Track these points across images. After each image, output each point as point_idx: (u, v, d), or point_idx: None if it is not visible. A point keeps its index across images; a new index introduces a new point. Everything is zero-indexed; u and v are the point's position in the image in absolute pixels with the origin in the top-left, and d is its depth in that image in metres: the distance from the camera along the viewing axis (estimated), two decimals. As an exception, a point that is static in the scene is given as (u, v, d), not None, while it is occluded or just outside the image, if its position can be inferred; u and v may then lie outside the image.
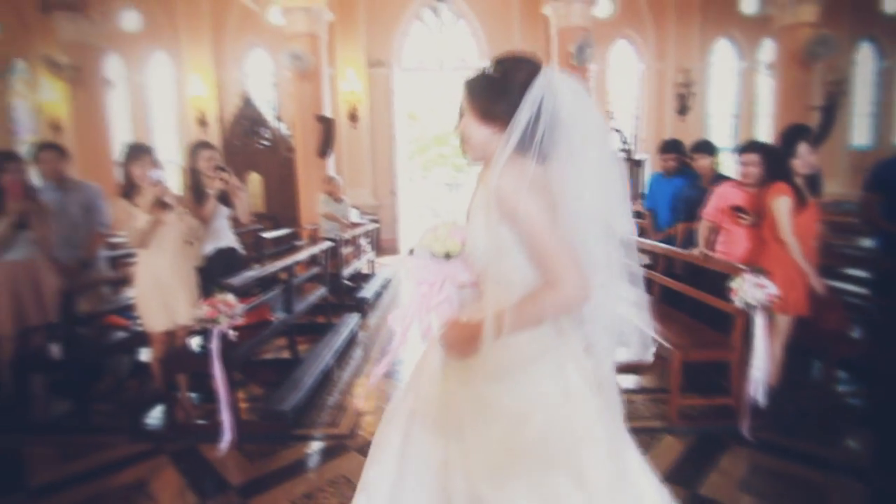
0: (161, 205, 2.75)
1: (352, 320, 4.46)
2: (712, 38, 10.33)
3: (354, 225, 7.00)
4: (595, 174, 1.08)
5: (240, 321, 2.60)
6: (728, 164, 5.58)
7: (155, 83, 10.43)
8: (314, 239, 6.84)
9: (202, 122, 9.82)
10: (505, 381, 1.09)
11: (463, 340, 1.11)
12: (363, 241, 6.64)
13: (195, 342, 3.07)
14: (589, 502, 1.01)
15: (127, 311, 3.51)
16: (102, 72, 7.42)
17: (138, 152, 2.78)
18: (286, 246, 6.31)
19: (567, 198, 1.05)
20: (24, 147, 10.53)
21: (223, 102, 9.55)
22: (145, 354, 3.96)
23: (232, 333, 2.56)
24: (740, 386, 2.64)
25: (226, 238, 3.31)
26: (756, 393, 2.54)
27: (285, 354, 4.03)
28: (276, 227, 7.47)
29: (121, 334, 3.39)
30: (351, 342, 4.32)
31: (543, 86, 1.04)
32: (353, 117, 9.67)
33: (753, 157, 3.10)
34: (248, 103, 8.93)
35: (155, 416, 3.06)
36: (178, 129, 10.29)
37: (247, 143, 8.77)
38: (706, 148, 3.90)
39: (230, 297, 2.56)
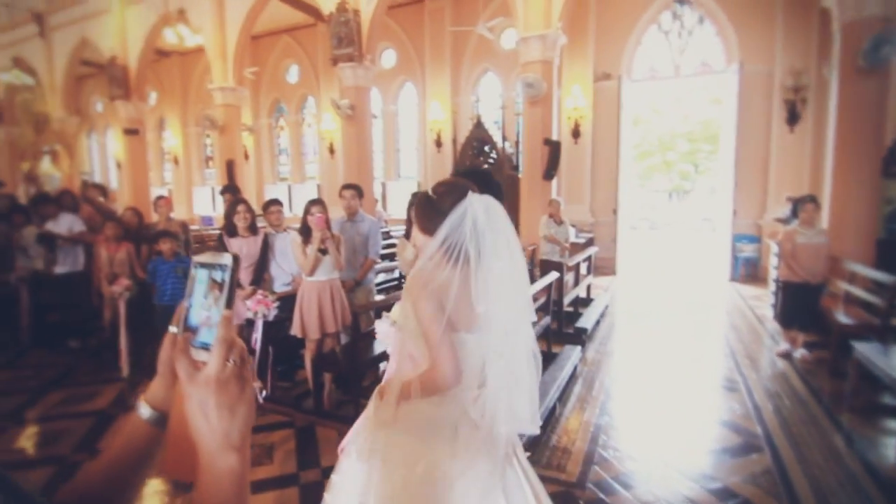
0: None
1: (574, 354, 4.45)
2: None
3: (574, 246, 6.96)
4: (502, 275, 1.32)
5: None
6: None
7: (402, 110, 12.09)
8: (533, 261, 7.03)
9: (438, 144, 11.01)
10: (410, 433, 1.36)
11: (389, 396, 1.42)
12: (583, 266, 6.55)
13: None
14: None
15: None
16: (368, 107, 8.92)
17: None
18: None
19: (481, 292, 1.30)
20: (312, 166, 13.44)
21: (457, 125, 10.51)
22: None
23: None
24: None
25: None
26: None
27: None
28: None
29: (383, 346, 4.05)
30: (572, 376, 4.32)
31: (464, 208, 1.33)
32: (575, 134, 9.61)
33: None
34: (478, 126, 9.64)
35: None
36: (419, 149, 11.74)
37: (476, 163, 9.48)
38: None
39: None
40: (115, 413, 3.70)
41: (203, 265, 0.61)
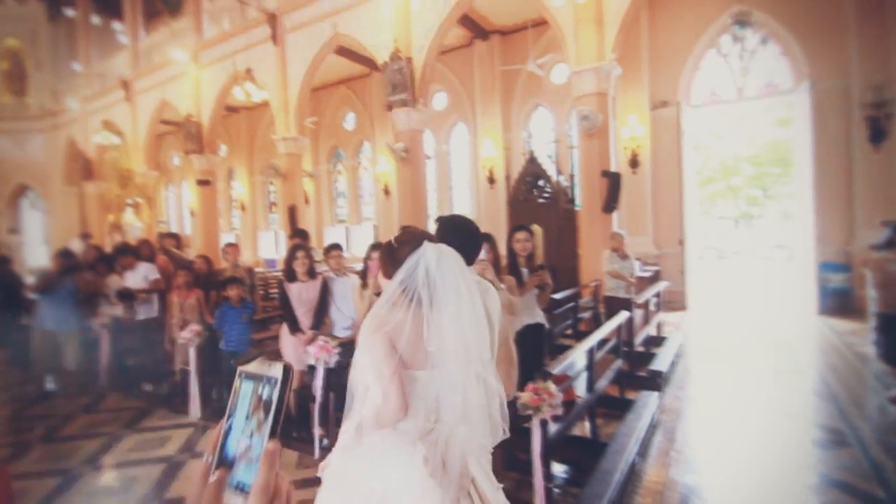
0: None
1: (650, 400, 4.09)
2: None
3: (640, 281, 6.59)
4: (453, 318, 1.41)
5: (559, 411, 2.63)
6: None
7: (455, 150, 12.27)
8: (597, 297, 6.71)
9: (491, 181, 11.01)
10: (366, 462, 1.43)
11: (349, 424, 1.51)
12: (652, 302, 6.16)
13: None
14: None
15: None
16: (422, 149, 9.11)
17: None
18: (570, 304, 6.35)
19: (433, 333, 1.40)
20: (369, 207, 13.82)
21: (509, 161, 10.49)
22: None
23: (552, 424, 2.61)
24: None
25: (536, 314, 3.48)
26: None
27: (577, 431, 3.97)
28: (553, 276, 7.64)
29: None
30: (650, 426, 3.95)
31: (417, 257, 1.45)
32: (633, 163, 9.31)
33: None
34: (531, 161, 9.56)
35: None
36: (472, 187, 11.79)
37: (529, 199, 9.36)
38: None
39: (552, 387, 2.61)
40: (183, 459, 3.74)
41: (249, 376, 0.51)
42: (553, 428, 2.97)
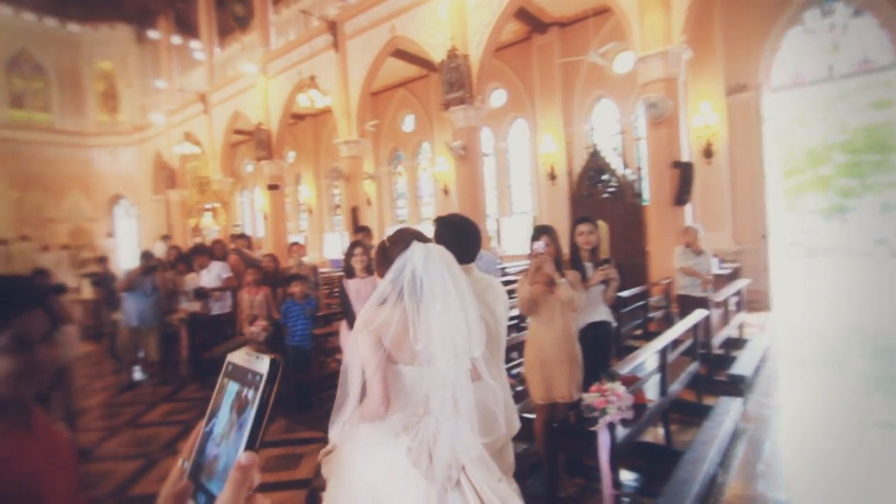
0: (542, 274, 2.89)
1: (732, 407, 3.75)
2: None
3: (717, 279, 6.12)
4: (440, 316, 1.47)
5: (629, 415, 2.44)
6: None
7: (513, 147, 12.06)
8: (669, 296, 6.30)
9: (552, 177, 10.70)
10: (358, 451, 1.53)
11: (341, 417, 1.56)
12: (732, 301, 5.69)
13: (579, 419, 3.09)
14: None
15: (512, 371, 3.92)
16: (480, 146, 9.00)
17: (537, 232, 3.03)
18: (639, 303, 6.00)
19: (420, 330, 1.47)
20: (428, 208, 13.92)
21: (571, 156, 10.15)
22: (519, 408, 4.33)
23: (620, 428, 2.42)
24: None
25: (601, 311, 3.28)
26: None
27: (649, 437, 3.71)
28: (620, 274, 7.25)
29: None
30: (733, 436, 3.61)
31: (407, 257, 1.51)
32: (707, 153, 8.69)
33: None
34: (594, 154, 9.19)
35: (536, 480, 3.22)
36: (532, 184, 11.53)
37: (593, 193, 9.00)
38: None
39: (620, 389, 2.43)
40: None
41: (235, 370, 0.42)
42: (621, 432, 2.77)
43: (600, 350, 3.18)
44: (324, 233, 15.84)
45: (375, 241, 4.78)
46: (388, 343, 1.50)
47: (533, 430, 3.25)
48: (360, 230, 5.82)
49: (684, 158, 6.92)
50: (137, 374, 6.16)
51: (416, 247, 1.53)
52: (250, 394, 0.40)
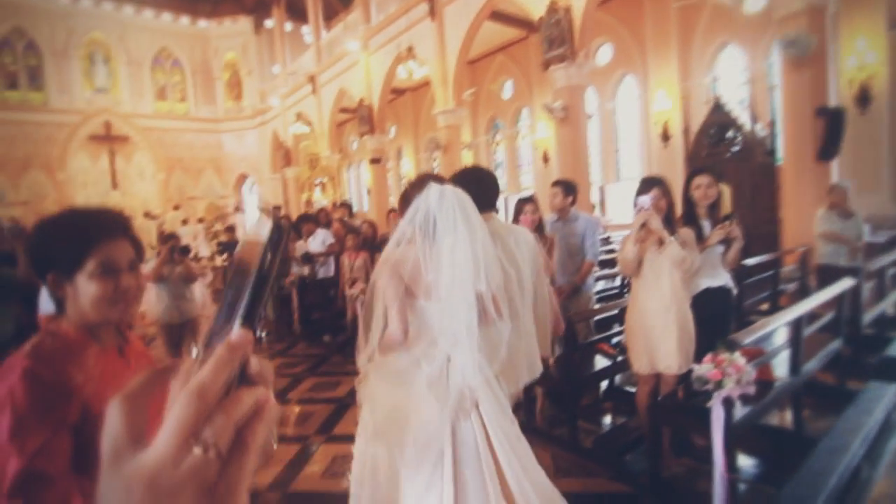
0: (650, 232, 2.58)
1: (885, 395, 3.13)
2: None
3: (870, 247, 5.16)
4: (450, 251, 1.54)
5: (750, 390, 2.10)
6: None
7: (621, 107, 11.16)
8: (805, 266, 5.45)
9: (665, 137, 9.75)
10: (381, 382, 1.66)
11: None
12: (889, 273, 4.76)
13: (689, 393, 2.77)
14: (401, 465, 1.55)
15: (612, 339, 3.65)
16: (583, 106, 8.42)
17: (646, 185, 2.71)
18: (767, 273, 5.26)
19: (431, 265, 1.57)
20: (527, 176, 13.55)
21: (688, 112, 9.12)
22: (620, 379, 4.04)
23: (739, 406, 2.10)
24: None
25: (720, 276, 2.87)
26: None
27: (774, 420, 3.25)
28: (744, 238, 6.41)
29: (605, 361, 3.52)
30: (884, 426, 3.03)
31: (422, 197, 1.59)
32: (862, 100, 7.30)
33: None
34: (716, 109, 8.16)
35: (636, 455, 2.97)
36: (642, 146, 10.63)
37: (714, 153, 8.03)
38: None
39: (740, 359, 2.10)
40: (350, 402, 4.07)
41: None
42: (740, 411, 2.42)
43: (717, 319, 2.79)
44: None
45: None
46: (406, 278, 1.60)
47: (635, 403, 2.99)
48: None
49: (834, 106, 5.84)
50: (259, 332, 6.79)
51: (432, 188, 1.61)
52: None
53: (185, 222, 14.34)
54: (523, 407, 3.51)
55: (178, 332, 4.17)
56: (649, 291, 2.66)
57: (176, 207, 16.04)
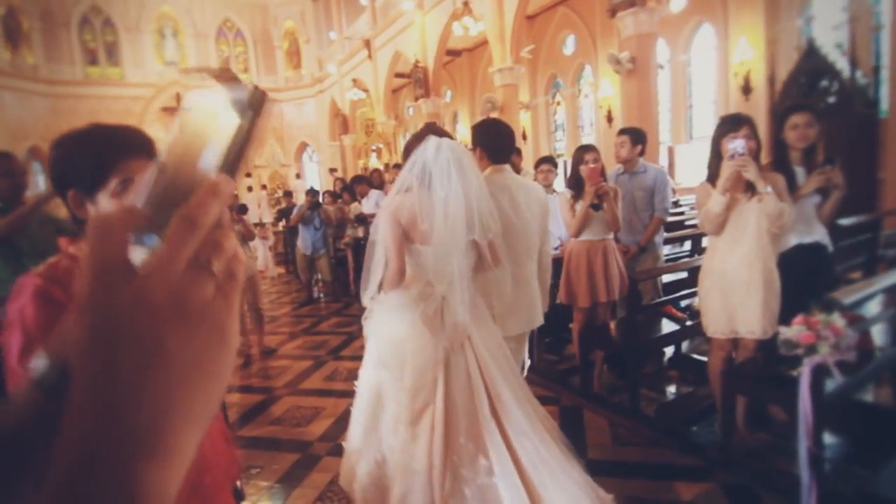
0: (740, 182, 2.25)
1: None
2: None
3: None
4: (443, 201, 1.67)
5: (850, 357, 1.81)
6: None
7: (696, 59, 10.23)
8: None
9: (746, 90, 8.84)
10: (384, 315, 1.83)
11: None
12: None
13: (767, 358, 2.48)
14: (396, 394, 1.73)
15: (680, 302, 3.35)
16: (653, 57, 7.74)
17: (730, 124, 2.37)
18: (864, 236, 4.67)
19: (426, 212, 1.69)
20: (589, 138, 12.89)
21: (774, 60, 8.19)
22: (688, 347, 3.75)
23: (836, 371, 1.82)
24: None
25: (815, 230, 2.51)
26: None
27: (868, 395, 2.87)
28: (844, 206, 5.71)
29: (672, 326, 3.24)
30: None
31: (421, 149, 1.72)
32: None
33: None
34: (809, 54, 7.28)
35: (704, 426, 2.74)
36: (719, 101, 9.73)
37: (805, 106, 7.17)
38: None
39: (838, 321, 1.80)
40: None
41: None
42: (833, 382, 2.12)
43: (809, 280, 2.45)
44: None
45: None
46: (404, 223, 1.72)
47: (706, 371, 2.73)
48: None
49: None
50: (315, 292, 6.97)
51: (430, 141, 1.72)
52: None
53: (249, 189, 14.92)
54: (580, 372, 3.34)
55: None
56: (731, 247, 2.36)
57: (248, 175, 16.76)
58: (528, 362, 3.56)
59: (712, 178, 2.40)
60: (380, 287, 1.85)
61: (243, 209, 4.62)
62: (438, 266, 1.70)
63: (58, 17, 15.70)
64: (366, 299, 1.85)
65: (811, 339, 1.83)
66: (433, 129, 1.83)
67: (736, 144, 2.18)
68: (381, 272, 1.79)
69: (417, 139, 1.78)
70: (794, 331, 1.88)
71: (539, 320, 2.26)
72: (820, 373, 1.94)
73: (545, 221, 2.27)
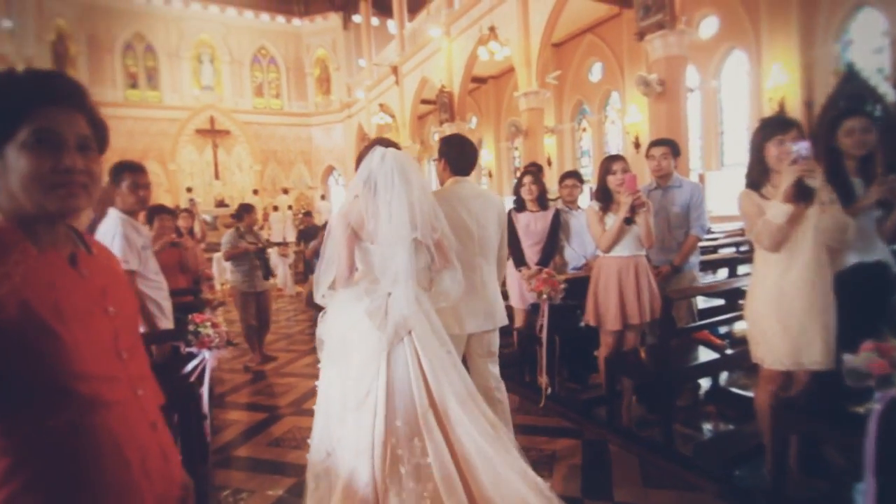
0: (803, 190, 2.02)
1: None
2: None
3: None
4: (386, 205, 1.79)
5: (935, 390, 1.53)
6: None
7: (727, 84, 10.00)
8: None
9: (781, 114, 8.54)
10: (336, 308, 1.92)
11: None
12: None
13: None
14: (343, 384, 1.80)
15: (719, 328, 3.06)
16: (683, 80, 7.55)
17: (776, 127, 2.14)
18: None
19: (371, 215, 1.81)
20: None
21: (810, 85, 7.93)
22: (726, 379, 3.43)
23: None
24: None
25: (875, 248, 2.23)
26: None
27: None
28: None
29: (710, 354, 2.94)
30: None
31: (368, 158, 1.85)
32: None
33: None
34: (847, 79, 6.99)
35: (749, 469, 2.42)
36: (751, 127, 9.42)
37: (844, 130, 6.85)
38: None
39: (919, 346, 1.53)
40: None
41: None
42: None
43: (874, 301, 2.16)
44: (504, 196, 15.75)
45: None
46: (353, 224, 1.84)
47: (748, 407, 2.43)
48: (530, 165, 5.31)
49: None
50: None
51: (376, 150, 1.84)
52: None
53: (276, 209, 15.08)
54: (607, 402, 3.05)
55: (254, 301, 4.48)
56: (787, 265, 2.08)
57: (285, 191, 17.12)
58: (548, 390, 3.29)
59: (753, 185, 2.17)
60: (332, 286, 1.98)
61: (248, 209, 4.76)
62: (384, 263, 1.82)
63: (103, 42, 16.51)
64: (318, 296, 1.97)
65: (886, 369, 1.55)
66: (381, 140, 1.96)
67: (800, 147, 1.94)
68: (334, 271, 1.92)
69: (367, 150, 1.90)
70: (863, 359, 1.61)
71: (502, 320, 2.38)
72: (892, 410, 1.66)
73: (502, 228, 2.47)
